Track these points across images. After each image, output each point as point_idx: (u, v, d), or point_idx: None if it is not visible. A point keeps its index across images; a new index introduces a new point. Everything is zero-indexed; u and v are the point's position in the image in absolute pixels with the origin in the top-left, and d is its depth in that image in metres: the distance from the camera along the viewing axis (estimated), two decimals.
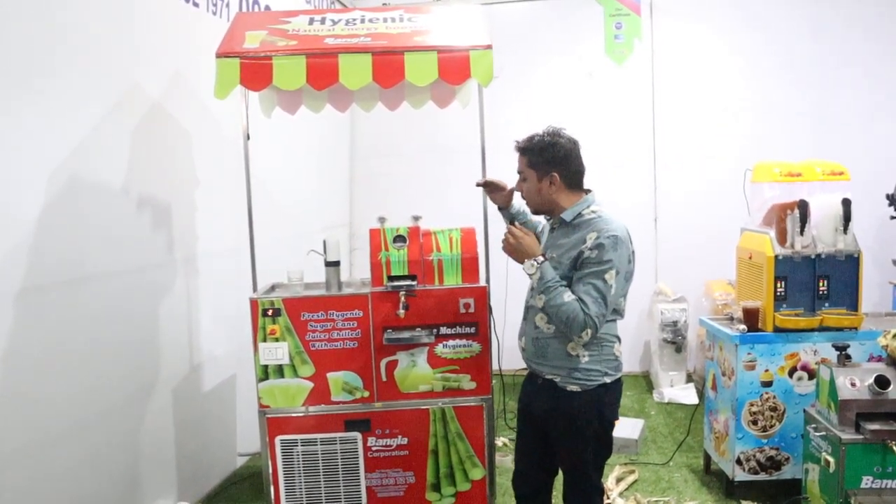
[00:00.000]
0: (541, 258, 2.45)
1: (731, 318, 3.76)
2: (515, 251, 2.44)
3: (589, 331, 2.37)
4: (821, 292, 3.47)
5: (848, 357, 3.14)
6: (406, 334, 3.19)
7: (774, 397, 3.51)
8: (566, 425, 2.51)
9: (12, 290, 2.59)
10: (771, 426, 3.52)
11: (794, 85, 5.82)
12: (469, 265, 3.21)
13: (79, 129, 2.95)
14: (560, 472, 2.71)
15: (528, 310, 2.58)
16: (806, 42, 5.79)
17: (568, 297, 2.37)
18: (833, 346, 3.20)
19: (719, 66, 5.92)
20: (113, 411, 3.17)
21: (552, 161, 2.52)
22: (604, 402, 2.52)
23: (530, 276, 2.43)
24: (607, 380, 2.51)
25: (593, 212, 2.52)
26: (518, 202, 2.84)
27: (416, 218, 3.31)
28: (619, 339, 2.57)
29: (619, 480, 3.90)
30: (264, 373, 3.20)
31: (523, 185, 2.57)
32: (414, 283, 3.18)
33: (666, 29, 5.98)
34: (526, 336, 2.58)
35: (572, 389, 2.48)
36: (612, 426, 2.59)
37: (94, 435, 3.03)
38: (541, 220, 2.82)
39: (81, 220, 2.95)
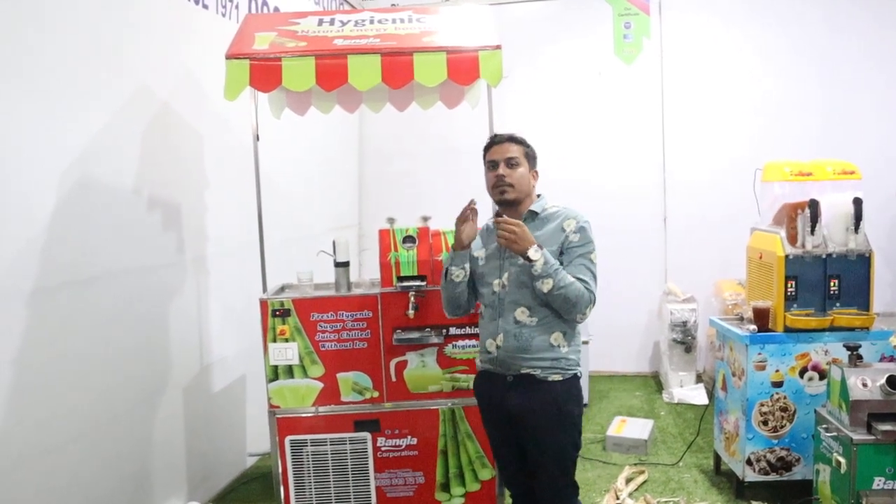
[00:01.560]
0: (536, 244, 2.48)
1: (742, 318, 3.75)
2: (520, 240, 2.44)
3: (591, 306, 2.52)
4: (832, 292, 3.45)
5: (859, 357, 3.12)
6: (415, 335, 3.20)
7: (785, 398, 3.49)
8: (550, 415, 2.53)
9: (24, 291, 2.61)
10: (781, 427, 3.51)
11: (804, 84, 5.78)
12: None
13: (89, 130, 2.97)
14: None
15: (506, 307, 2.57)
16: (817, 40, 5.75)
17: (570, 278, 2.48)
18: (844, 346, 3.18)
19: (729, 65, 5.89)
20: (123, 411, 3.18)
21: (536, 158, 2.68)
22: (579, 390, 2.62)
23: (534, 262, 2.43)
24: (578, 370, 2.62)
25: (554, 205, 2.66)
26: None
27: (426, 218, 3.31)
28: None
29: (628, 481, 3.90)
30: (274, 373, 3.21)
31: (513, 171, 2.58)
32: (423, 283, 3.18)
33: (675, 28, 5.96)
34: (504, 333, 2.56)
35: (554, 379, 2.53)
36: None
37: (105, 435, 3.05)
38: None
39: (92, 220, 2.97)
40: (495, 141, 2.64)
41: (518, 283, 2.53)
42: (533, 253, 2.43)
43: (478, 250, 2.71)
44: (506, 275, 2.57)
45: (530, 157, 2.64)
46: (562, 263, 2.50)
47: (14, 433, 2.55)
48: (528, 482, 2.68)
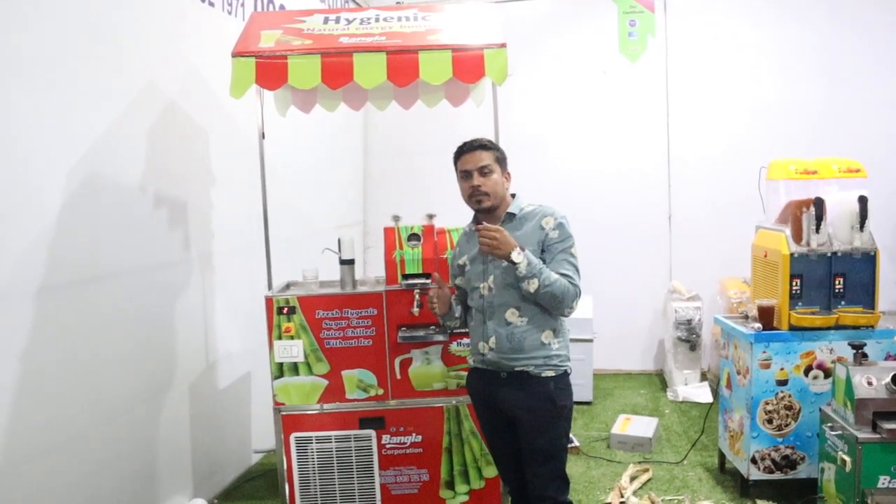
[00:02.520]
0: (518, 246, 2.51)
1: (746, 317, 3.74)
2: (501, 244, 2.46)
3: (578, 300, 2.55)
4: (837, 290, 3.45)
5: (864, 355, 3.12)
6: (420, 332, 3.21)
7: (790, 396, 3.49)
8: (545, 410, 2.57)
9: (31, 289, 2.63)
10: (786, 425, 3.50)
11: (809, 81, 5.76)
12: None
13: (96, 127, 2.98)
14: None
15: (495, 309, 2.60)
16: (822, 37, 5.73)
17: (555, 275, 2.51)
18: (849, 344, 3.18)
19: (734, 62, 5.88)
20: (129, 408, 3.20)
21: (506, 160, 2.70)
22: (570, 385, 2.66)
23: (517, 264, 2.46)
24: (569, 367, 2.65)
25: (530, 204, 2.68)
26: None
27: (431, 216, 3.32)
28: None
29: (633, 479, 3.90)
30: (279, 370, 3.22)
31: (486, 178, 2.59)
32: (428, 281, 3.19)
33: (680, 26, 5.94)
34: (496, 335, 2.59)
35: (547, 375, 2.57)
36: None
37: (112, 432, 3.07)
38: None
39: (99, 218, 2.98)
40: (465, 149, 2.65)
41: (504, 285, 2.57)
42: (515, 256, 2.45)
43: (461, 258, 2.74)
44: (491, 278, 2.60)
45: (501, 161, 2.66)
46: (544, 261, 2.54)
47: (21, 429, 2.56)
48: (523, 476, 2.70)
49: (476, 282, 2.65)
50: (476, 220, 2.70)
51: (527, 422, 2.59)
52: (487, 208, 2.62)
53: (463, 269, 2.73)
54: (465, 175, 2.63)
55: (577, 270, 2.58)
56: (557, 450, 2.62)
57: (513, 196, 2.70)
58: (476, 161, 2.60)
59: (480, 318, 2.65)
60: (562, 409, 2.60)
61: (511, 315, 2.57)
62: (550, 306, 2.54)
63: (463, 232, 2.83)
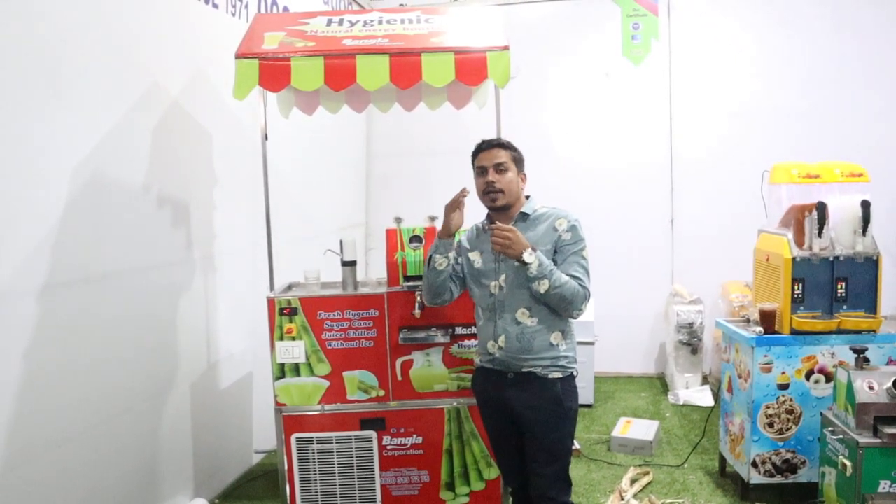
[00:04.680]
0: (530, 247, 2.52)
1: (748, 320, 3.74)
2: (515, 244, 2.48)
3: (587, 302, 2.57)
4: (839, 295, 3.45)
5: (866, 360, 3.12)
6: (421, 334, 3.21)
7: (791, 400, 3.49)
8: (551, 411, 2.58)
9: (35, 288, 2.63)
10: (787, 429, 3.50)
11: (813, 85, 5.76)
12: None
13: (100, 127, 2.99)
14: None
15: (505, 308, 2.61)
16: (825, 41, 5.73)
17: (565, 277, 2.52)
18: (851, 348, 3.18)
19: (737, 66, 5.88)
20: (131, 408, 3.20)
21: (523, 161, 2.72)
22: (575, 387, 2.68)
23: (529, 265, 2.48)
24: (575, 369, 2.67)
25: (544, 206, 2.70)
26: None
27: (433, 218, 3.33)
28: None
29: (633, 482, 3.90)
30: (281, 371, 3.23)
31: (502, 176, 2.61)
32: None
33: (683, 29, 5.95)
34: (505, 335, 2.60)
35: (555, 376, 2.59)
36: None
37: (113, 431, 3.07)
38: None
39: (101, 217, 2.99)
40: (483, 147, 2.68)
41: (516, 285, 2.58)
42: (527, 256, 2.47)
43: (471, 252, 2.74)
44: (503, 277, 2.61)
45: (518, 161, 2.68)
46: (555, 262, 2.55)
47: (25, 427, 2.57)
48: (525, 476, 2.71)
49: (486, 279, 2.66)
50: (489, 219, 2.71)
51: (533, 422, 2.60)
52: (501, 206, 2.63)
53: (472, 265, 2.72)
54: (480, 171, 2.65)
55: (588, 273, 2.58)
56: (562, 451, 2.64)
57: (527, 198, 2.72)
58: (492, 158, 2.63)
59: (488, 315, 2.66)
60: (568, 410, 2.61)
61: (522, 315, 2.58)
62: (559, 308, 2.55)
63: (473, 227, 2.82)
